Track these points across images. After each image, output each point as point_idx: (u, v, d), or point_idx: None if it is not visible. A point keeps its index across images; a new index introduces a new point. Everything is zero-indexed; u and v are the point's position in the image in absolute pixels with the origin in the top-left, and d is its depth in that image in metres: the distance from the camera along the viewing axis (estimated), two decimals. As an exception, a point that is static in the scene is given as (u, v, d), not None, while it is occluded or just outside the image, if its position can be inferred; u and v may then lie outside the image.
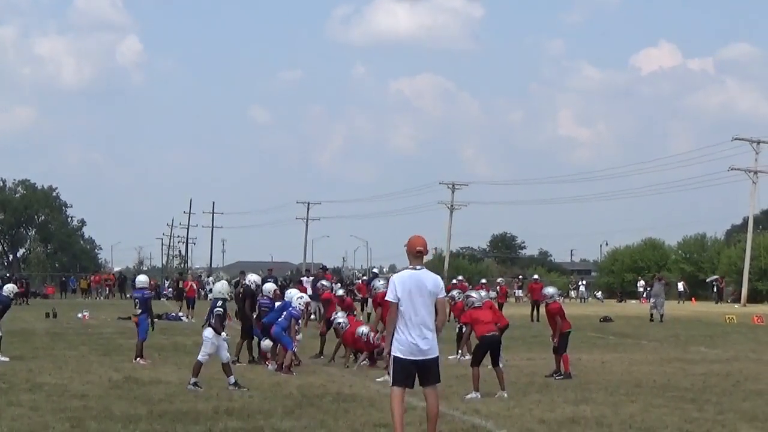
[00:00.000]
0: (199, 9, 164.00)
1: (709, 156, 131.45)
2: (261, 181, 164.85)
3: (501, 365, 12.54)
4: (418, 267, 8.59)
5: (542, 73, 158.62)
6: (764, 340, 23.71)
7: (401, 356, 8.44)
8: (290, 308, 15.56)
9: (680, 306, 50.03)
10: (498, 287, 36.83)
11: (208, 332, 13.12)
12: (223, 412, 10.63)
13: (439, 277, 8.85)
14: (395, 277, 8.66)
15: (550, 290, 15.27)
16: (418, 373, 8.47)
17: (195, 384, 12.71)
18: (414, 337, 8.40)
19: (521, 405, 11.40)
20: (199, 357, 13.00)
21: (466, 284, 34.07)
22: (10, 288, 18.01)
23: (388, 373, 8.98)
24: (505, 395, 12.03)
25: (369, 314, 21.85)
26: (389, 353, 8.58)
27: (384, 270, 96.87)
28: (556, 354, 14.60)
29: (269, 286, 17.72)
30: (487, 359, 12.48)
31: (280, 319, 15.56)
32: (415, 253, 8.61)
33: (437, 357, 8.57)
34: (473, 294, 13.79)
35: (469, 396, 12.05)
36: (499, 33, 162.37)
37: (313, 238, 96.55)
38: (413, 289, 8.47)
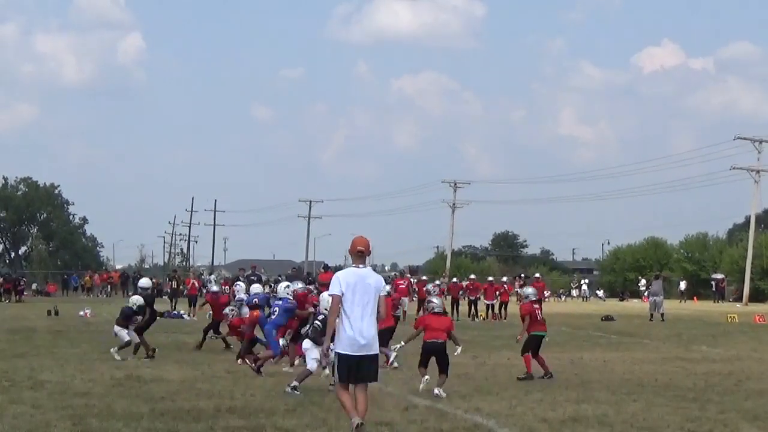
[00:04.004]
0: (201, 7, 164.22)
1: (710, 155, 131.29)
2: (263, 179, 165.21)
3: (447, 374, 12.34)
4: (361, 266, 8.91)
5: (544, 71, 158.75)
6: (766, 339, 23.70)
7: (342, 351, 8.63)
8: (283, 301, 15.25)
9: (682, 305, 50.01)
10: (505, 285, 37.07)
11: (306, 343, 12.85)
12: (224, 410, 10.61)
13: (381, 277, 9.16)
14: (339, 274, 8.98)
15: (527, 290, 15.35)
16: (355, 368, 8.60)
17: (294, 388, 12.01)
18: (354, 332, 8.60)
19: (523, 404, 11.39)
20: (308, 366, 12.52)
21: (479, 284, 35.07)
22: None
23: (332, 372, 8.93)
24: (444, 395, 11.90)
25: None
26: (328, 348, 8.80)
27: (386, 268, 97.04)
28: (522, 354, 14.52)
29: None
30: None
31: (273, 316, 15.26)
32: (357, 253, 8.92)
33: (376, 354, 8.79)
34: (434, 299, 13.51)
35: (422, 385, 12.18)
36: (501, 31, 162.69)
37: (315, 237, 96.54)
38: (356, 285, 8.71)
